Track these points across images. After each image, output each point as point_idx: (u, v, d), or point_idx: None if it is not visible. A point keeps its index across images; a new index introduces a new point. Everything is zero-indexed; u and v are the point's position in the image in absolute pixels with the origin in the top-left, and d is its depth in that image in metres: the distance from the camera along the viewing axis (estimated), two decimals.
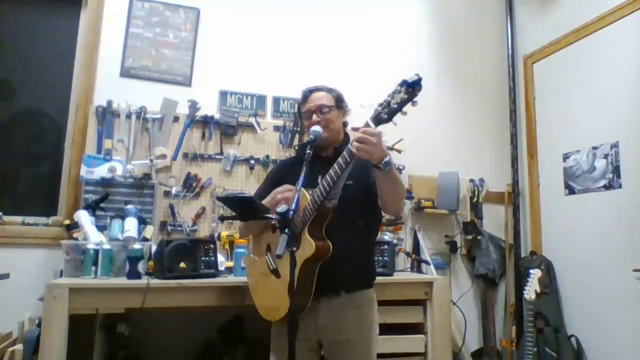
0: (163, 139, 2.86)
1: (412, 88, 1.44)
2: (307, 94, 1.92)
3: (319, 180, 1.73)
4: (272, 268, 1.81)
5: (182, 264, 2.22)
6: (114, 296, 2.07)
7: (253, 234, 2.01)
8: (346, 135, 1.97)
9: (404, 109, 1.47)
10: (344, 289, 1.77)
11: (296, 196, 1.53)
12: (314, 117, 1.85)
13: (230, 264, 2.49)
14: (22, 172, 2.87)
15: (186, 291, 2.15)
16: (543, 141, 3.41)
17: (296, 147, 3.00)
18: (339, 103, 1.92)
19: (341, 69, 3.21)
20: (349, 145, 1.56)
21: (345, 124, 1.97)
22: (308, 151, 1.68)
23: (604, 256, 2.83)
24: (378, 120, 1.51)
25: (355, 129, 1.55)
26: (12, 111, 2.88)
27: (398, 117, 1.49)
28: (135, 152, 2.81)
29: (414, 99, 1.45)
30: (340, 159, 1.62)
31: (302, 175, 1.60)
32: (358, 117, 2.88)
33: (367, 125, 1.54)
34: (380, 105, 1.51)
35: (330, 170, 1.63)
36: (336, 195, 1.71)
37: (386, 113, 1.49)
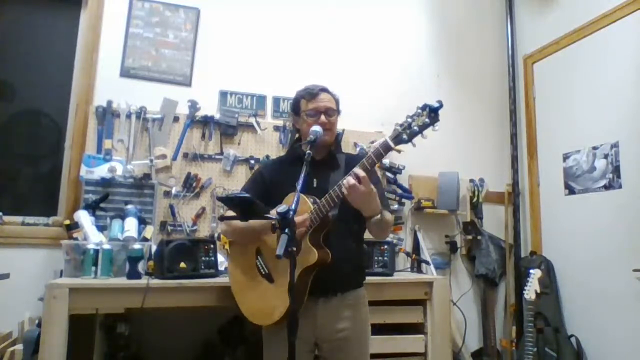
0: (163, 139, 2.86)
1: (434, 113, 1.47)
2: (317, 91, 1.88)
3: (314, 183, 1.73)
4: (264, 272, 1.82)
5: (182, 264, 2.23)
6: (114, 296, 2.08)
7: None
8: (336, 139, 1.98)
9: (425, 133, 1.50)
10: (340, 290, 1.80)
11: (296, 197, 1.53)
12: (323, 117, 1.83)
13: None
14: (22, 172, 2.87)
15: (186, 291, 2.15)
16: (543, 141, 3.41)
17: (295, 147, 2.99)
18: (338, 108, 1.93)
19: (341, 69, 3.22)
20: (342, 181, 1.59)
21: None
22: (308, 152, 1.67)
23: (604, 256, 2.83)
24: (398, 140, 1.54)
25: (372, 142, 1.59)
26: (12, 111, 2.88)
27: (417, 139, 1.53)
28: (135, 152, 2.80)
29: (436, 124, 1.48)
30: (337, 188, 1.63)
31: (302, 175, 1.60)
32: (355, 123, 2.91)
33: (385, 144, 1.56)
34: (401, 125, 1.53)
35: (336, 187, 1.63)
36: (337, 205, 1.71)
37: (407, 134, 1.51)
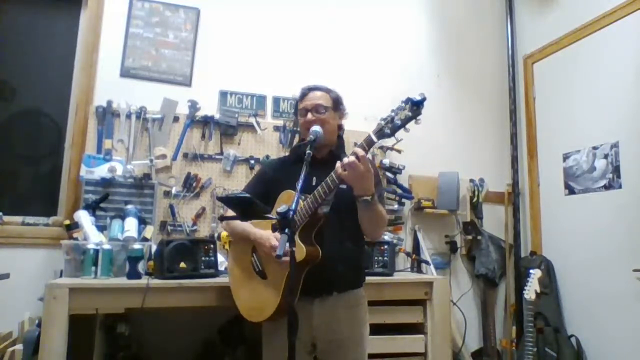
0: (163, 139, 2.86)
1: (416, 107, 1.46)
2: (306, 91, 1.91)
3: (314, 182, 1.73)
4: (257, 270, 1.82)
5: (182, 264, 2.23)
6: (114, 296, 2.07)
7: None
8: (340, 139, 1.96)
9: (407, 126, 1.49)
10: (337, 290, 1.79)
11: (295, 197, 1.53)
12: (309, 115, 1.84)
13: None
14: (22, 172, 2.87)
15: (186, 291, 2.15)
16: (543, 141, 3.41)
17: (296, 146, 3.00)
18: (336, 105, 1.91)
19: (341, 69, 3.21)
20: (336, 168, 1.58)
21: (340, 127, 1.96)
22: (308, 151, 1.67)
23: (604, 256, 2.83)
24: (381, 134, 1.53)
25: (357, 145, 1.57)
26: (12, 111, 2.88)
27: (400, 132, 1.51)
28: (135, 152, 2.80)
29: (418, 117, 1.47)
30: (328, 179, 1.62)
31: (303, 175, 1.60)
32: (355, 123, 2.91)
33: (369, 139, 1.55)
34: (384, 119, 1.52)
35: (323, 184, 1.63)
36: (329, 202, 1.71)
37: (389, 128, 1.51)
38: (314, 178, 1.78)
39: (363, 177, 1.56)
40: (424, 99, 1.45)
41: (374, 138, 1.54)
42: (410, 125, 1.50)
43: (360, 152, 1.54)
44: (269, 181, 1.94)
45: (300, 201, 1.64)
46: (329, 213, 1.72)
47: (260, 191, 1.87)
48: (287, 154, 2.98)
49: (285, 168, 1.92)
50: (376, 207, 1.68)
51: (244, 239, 1.88)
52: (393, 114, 1.50)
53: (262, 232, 1.78)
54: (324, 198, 1.64)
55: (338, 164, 1.58)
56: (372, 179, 1.60)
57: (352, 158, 1.54)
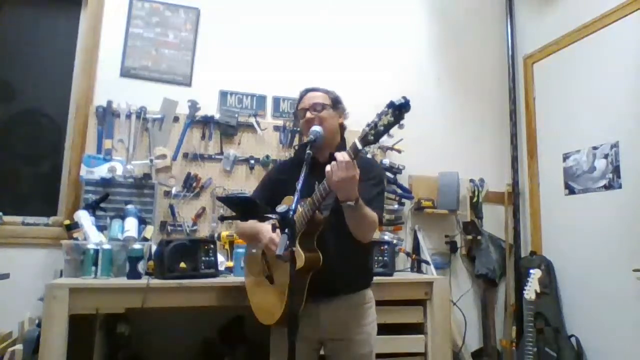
0: (163, 139, 2.86)
1: (398, 111, 1.41)
2: (304, 93, 1.92)
3: (316, 186, 1.72)
4: (266, 274, 1.83)
5: (182, 264, 2.23)
6: (114, 296, 2.07)
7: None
8: (343, 140, 1.95)
9: (391, 131, 1.46)
10: (343, 291, 1.79)
11: (295, 197, 1.53)
12: (308, 114, 1.84)
13: (230, 264, 2.49)
14: (22, 172, 2.87)
15: (186, 291, 2.15)
16: (543, 141, 3.41)
17: (296, 147, 3.00)
18: (335, 103, 1.90)
19: (341, 69, 3.21)
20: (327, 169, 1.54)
21: (343, 127, 1.96)
22: (308, 151, 1.67)
23: (604, 256, 2.83)
24: (365, 141, 1.49)
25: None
26: (12, 111, 2.88)
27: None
28: (135, 152, 2.80)
29: (401, 122, 1.42)
30: (321, 186, 1.61)
31: (302, 176, 1.59)
32: (355, 124, 2.91)
33: (354, 146, 1.52)
34: (368, 125, 1.48)
35: (316, 190, 1.62)
36: (328, 206, 1.70)
37: (372, 135, 1.47)
38: (316, 182, 1.77)
39: (345, 183, 1.52)
40: (407, 102, 1.39)
41: (359, 145, 1.51)
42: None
43: (340, 157, 1.51)
44: (274, 184, 1.95)
45: (300, 208, 1.63)
46: (328, 216, 1.71)
47: (266, 195, 1.89)
48: (287, 154, 3.00)
49: (289, 170, 1.92)
50: (361, 211, 1.63)
51: (252, 238, 1.89)
52: (377, 119, 1.46)
53: (264, 226, 1.76)
54: (318, 205, 1.63)
55: (327, 168, 1.54)
56: (355, 185, 1.55)
57: (333, 163, 1.51)
